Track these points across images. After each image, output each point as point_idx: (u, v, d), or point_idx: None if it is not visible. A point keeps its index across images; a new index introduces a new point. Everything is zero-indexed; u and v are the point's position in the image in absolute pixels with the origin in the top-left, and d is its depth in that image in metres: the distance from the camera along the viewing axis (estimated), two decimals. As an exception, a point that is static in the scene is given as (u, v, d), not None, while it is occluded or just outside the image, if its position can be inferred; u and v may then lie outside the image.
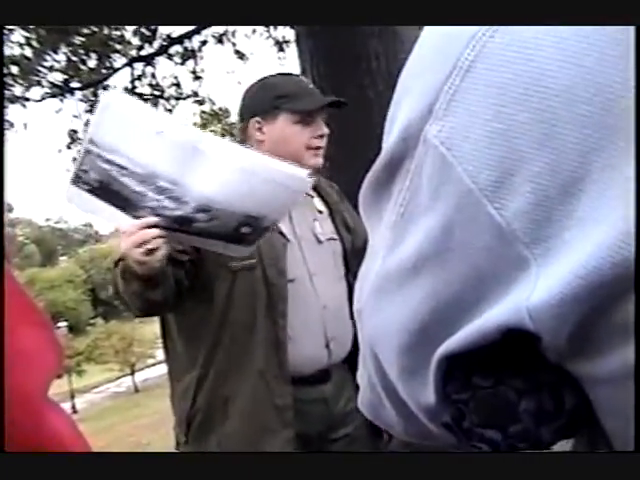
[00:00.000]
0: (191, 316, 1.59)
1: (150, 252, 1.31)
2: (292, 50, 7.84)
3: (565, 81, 0.26)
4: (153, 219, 1.30)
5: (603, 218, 0.25)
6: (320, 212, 1.73)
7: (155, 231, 1.30)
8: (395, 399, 0.36)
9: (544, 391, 0.30)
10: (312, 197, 1.73)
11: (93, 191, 1.32)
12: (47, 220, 74.76)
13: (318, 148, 1.66)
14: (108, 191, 1.30)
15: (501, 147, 0.27)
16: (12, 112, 7.03)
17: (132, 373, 27.12)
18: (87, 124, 8.00)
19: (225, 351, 1.55)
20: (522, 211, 0.27)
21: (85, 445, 0.69)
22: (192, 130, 1.29)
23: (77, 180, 1.32)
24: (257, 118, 1.64)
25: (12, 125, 7.20)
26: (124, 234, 1.32)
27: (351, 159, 2.36)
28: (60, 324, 30.21)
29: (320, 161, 1.67)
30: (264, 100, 1.65)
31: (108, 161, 1.26)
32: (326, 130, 1.67)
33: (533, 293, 0.26)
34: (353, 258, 1.71)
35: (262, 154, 1.32)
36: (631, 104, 0.25)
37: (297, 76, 1.81)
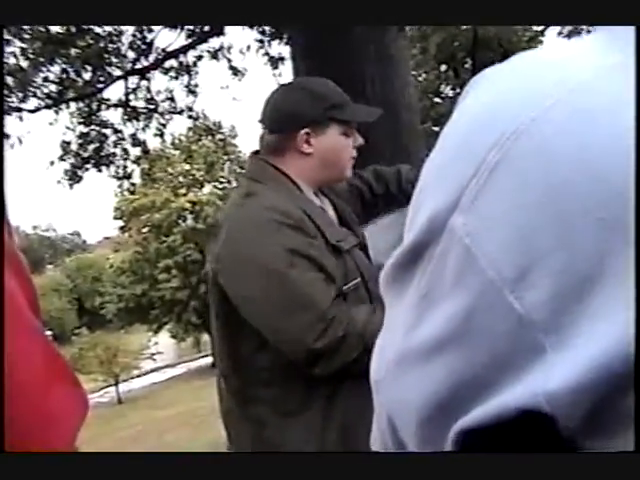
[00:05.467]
0: None
1: None
2: (287, 67, 7.91)
3: (581, 189, 0.28)
4: None
5: (614, 317, 0.27)
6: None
7: None
8: None
9: None
10: None
11: None
12: (35, 228, 74.12)
13: (354, 159, 1.61)
14: None
15: (521, 244, 0.29)
16: (6, 123, 7.03)
17: (116, 384, 26.82)
18: (80, 136, 8.02)
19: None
20: (540, 302, 0.28)
21: None
22: None
23: None
24: (307, 130, 1.52)
25: (8, 136, 7.20)
26: None
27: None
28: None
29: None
30: (315, 111, 1.52)
31: None
32: (362, 140, 1.62)
33: (549, 379, 0.28)
34: None
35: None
36: None
37: (332, 82, 1.64)
